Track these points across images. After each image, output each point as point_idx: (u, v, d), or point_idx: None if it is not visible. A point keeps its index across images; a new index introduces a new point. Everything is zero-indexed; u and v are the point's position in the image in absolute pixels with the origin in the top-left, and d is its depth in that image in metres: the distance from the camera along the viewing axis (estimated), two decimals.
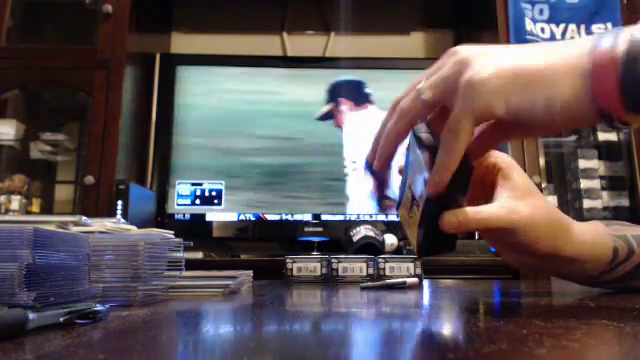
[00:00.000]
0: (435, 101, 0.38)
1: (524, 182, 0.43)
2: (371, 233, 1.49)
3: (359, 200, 1.77)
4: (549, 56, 0.35)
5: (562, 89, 0.33)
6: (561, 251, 0.42)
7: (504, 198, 0.41)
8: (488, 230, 0.41)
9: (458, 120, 0.35)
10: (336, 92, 1.86)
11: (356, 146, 1.82)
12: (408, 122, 0.39)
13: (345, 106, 1.84)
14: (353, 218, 1.76)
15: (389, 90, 1.87)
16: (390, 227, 1.71)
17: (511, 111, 0.34)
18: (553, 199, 1.70)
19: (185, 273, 0.55)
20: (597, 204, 1.66)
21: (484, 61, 0.36)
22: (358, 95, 1.86)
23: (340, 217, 1.76)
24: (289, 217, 1.75)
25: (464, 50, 0.38)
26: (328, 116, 1.84)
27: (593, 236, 0.44)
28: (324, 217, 1.75)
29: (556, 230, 0.42)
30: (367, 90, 1.87)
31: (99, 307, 0.32)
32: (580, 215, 1.65)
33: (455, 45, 0.41)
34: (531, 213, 0.41)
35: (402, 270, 0.78)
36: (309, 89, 1.86)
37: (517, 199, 0.41)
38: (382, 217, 1.78)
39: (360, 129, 1.83)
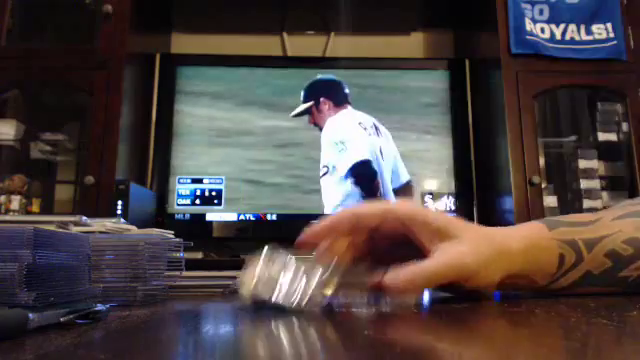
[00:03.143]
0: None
1: (444, 223, 0.40)
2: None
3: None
4: None
5: None
6: (507, 277, 0.41)
7: (440, 248, 0.39)
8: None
9: None
10: (316, 91, 1.85)
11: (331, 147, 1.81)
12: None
13: (325, 106, 1.83)
14: None
15: (389, 92, 1.88)
16: None
17: None
18: (553, 199, 1.70)
19: (185, 273, 0.55)
20: (597, 204, 1.66)
21: None
22: (337, 95, 1.85)
23: None
24: (289, 217, 1.75)
25: None
26: (306, 112, 1.83)
27: (535, 245, 0.42)
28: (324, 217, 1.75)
29: (499, 260, 0.40)
30: (346, 90, 1.86)
31: (99, 307, 0.32)
32: None
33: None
34: (475, 252, 0.39)
35: None
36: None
37: (454, 243, 0.39)
38: None
39: (337, 130, 1.82)
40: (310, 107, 1.82)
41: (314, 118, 1.82)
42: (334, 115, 1.82)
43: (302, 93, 1.85)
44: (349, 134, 1.77)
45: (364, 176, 1.65)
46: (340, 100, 1.84)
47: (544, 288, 0.43)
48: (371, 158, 1.72)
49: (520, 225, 0.44)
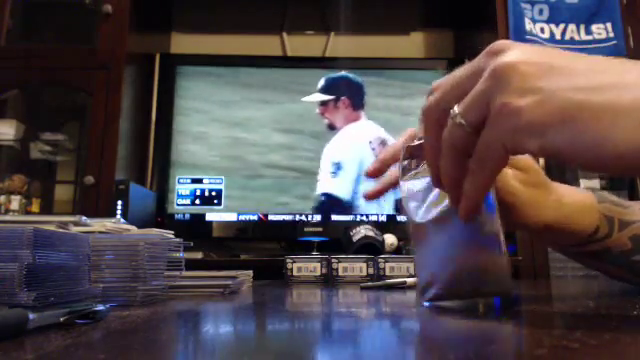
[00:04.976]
0: (476, 126, 0.30)
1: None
2: (371, 233, 1.49)
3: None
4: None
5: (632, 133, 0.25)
6: (555, 222, 0.43)
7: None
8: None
9: (486, 147, 0.30)
10: (339, 87, 1.85)
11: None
12: (457, 156, 0.32)
13: (343, 105, 1.84)
14: (353, 218, 1.76)
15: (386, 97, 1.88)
16: (390, 227, 1.71)
17: (548, 152, 0.28)
18: None
19: (185, 273, 0.55)
20: None
21: (528, 83, 0.28)
22: (357, 99, 1.86)
23: (341, 217, 1.76)
24: (289, 217, 1.75)
25: (507, 56, 0.29)
26: (324, 104, 1.83)
27: (584, 206, 0.45)
28: (324, 217, 1.75)
29: (549, 200, 0.43)
30: (365, 96, 1.86)
31: (99, 307, 0.32)
32: None
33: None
34: (524, 180, 0.41)
35: (402, 270, 0.78)
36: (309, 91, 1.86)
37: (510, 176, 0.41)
38: (382, 217, 1.78)
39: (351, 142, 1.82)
40: (329, 100, 1.83)
41: (327, 111, 1.83)
42: (349, 124, 1.83)
43: (323, 81, 1.84)
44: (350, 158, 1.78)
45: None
46: (358, 105, 1.85)
47: (569, 248, 0.47)
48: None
49: (573, 187, 0.48)
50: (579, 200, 0.45)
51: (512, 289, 0.35)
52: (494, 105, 0.29)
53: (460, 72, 0.32)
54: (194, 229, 1.73)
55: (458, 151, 0.31)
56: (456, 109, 0.31)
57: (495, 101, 0.28)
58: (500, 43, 0.30)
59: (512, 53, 0.29)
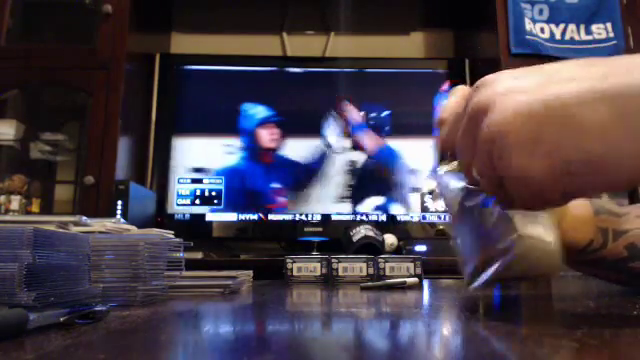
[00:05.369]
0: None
1: None
2: (371, 233, 1.49)
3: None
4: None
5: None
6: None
7: None
8: None
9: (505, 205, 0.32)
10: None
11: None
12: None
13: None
14: (353, 218, 1.76)
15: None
16: (390, 227, 1.71)
17: (565, 197, 0.29)
18: None
19: (185, 273, 0.55)
20: None
21: (527, 152, 0.27)
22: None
23: (340, 217, 1.76)
24: (289, 217, 1.75)
25: (497, 124, 0.28)
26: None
27: (577, 218, 0.46)
28: (324, 217, 1.75)
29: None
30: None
31: (99, 307, 0.32)
32: None
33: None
34: None
35: (402, 270, 0.78)
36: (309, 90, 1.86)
37: None
38: (382, 217, 1.78)
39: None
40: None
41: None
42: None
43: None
44: None
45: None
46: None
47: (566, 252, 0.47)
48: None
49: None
50: (574, 216, 0.46)
51: (558, 270, 0.37)
52: (502, 165, 0.28)
53: (461, 136, 0.31)
54: (194, 229, 1.73)
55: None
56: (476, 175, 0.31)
57: (502, 162, 0.28)
58: (484, 97, 0.29)
59: (500, 116, 0.28)
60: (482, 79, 0.31)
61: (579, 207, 0.46)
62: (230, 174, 1.78)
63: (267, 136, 1.81)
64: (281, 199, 1.77)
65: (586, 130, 0.26)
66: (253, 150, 1.80)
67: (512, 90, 0.28)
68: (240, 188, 1.77)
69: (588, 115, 0.26)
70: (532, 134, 0.27)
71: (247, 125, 1.82)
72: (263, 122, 1.82)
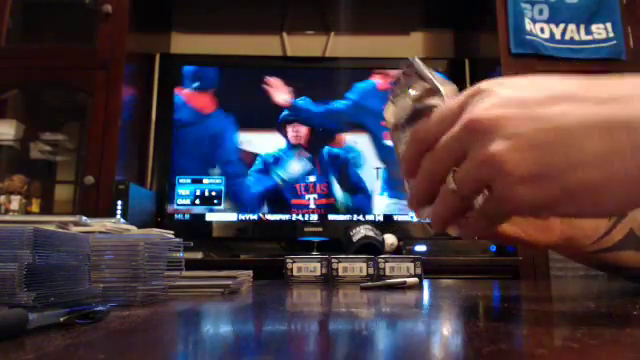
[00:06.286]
0: (471, 196, 0.30)
1: None
2: (371, 233, 1.49)
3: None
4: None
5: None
6: (556, 237, 0.44)
7: None
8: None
9: (488, 217, 0.31)
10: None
11: None
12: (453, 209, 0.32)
13: None
14: (352, 218, 1.76)
15: None
16: (389, 227, 1.71)
17: (561, 216, 0.31)
18: None
19: (185, 273, 0.55)
20: None
21: (523, 171, 0.27)
22: None
23: (340, 217, 1.76)
24: (289, 217, 1.75)
25: (496, 145, 0.28)
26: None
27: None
28: (324, 217, 1.75)
29: (545, 222, 0.44)
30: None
31: (99, 307, 0.32)
32: None
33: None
34: None
35: (402, 270, 0.78)
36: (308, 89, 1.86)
37: None
38: (381, 217, 1.78)
39: None
40: None
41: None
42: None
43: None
44: None
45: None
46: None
47: (590, 249, 0.45)
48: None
49: None
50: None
51: None
52: (500, 187, 0.28)
53: (449, 140, 0.30)
54: (194, 229, 1.73)
55: (452, 209, 0.31)
56: (452, 184, 0.30)
57: (500, 184, 0.28)
58: (486, 115, 0.28)
59: (500, 144, 0.27)
60: (481, 86, 0.30)
61: None
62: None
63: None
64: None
65: (586, 159, 0.26)
66: None
67: (515, 114, 0.28)
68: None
69: (591, 145, 0.26)
70: (536, 166, 0.27)
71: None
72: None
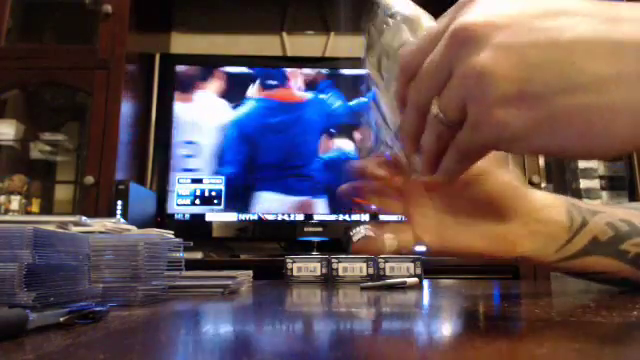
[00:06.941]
0: (458, 122, 0.27)
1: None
2: (371, 233, 1.49)
3: None
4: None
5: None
6: (527, 249, 0.42)
7: None
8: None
9: (468, 149, 0.28)
10: None
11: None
12: (439, 142, 0.29)
13: None
14: (353, 218, 1.76)
15: None
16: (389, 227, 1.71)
17: (535, 153, 0.28)
18: None
19: (185, 273, 0.55)
20: (597, 204, 1.66)
21: (510, 89, 0.24)
22: None
23: (340, 217, 1.76)
24: (289, 217, 1.75)
25: (484, 66, 0.24)
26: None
27: (548, 204, 0.42)
28: (324, 217, 1.75)
29: (513, 234, 0.41)
30: None
31: (99, 307, 0.32)
32: None
33: None
34: None
35: (402, 270, 0.78)
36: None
37: None
38: (381, 217, 1.78)
39: None
40: None
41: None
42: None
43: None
44: None
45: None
46: None
47: (553, 260, 0.42)
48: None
49: (541, 192, 0.44)
50: (547, 204, 0.42)
51: None
52: (476, 109, 0.25)
53: (434, 59, 0.27)
54: (194, 229, 1.73)
55: (440, 141, 0.29)
56: (435, 109, 0.28)
57: (477, 105, 0.25)
58: (473, 23, 0.25)
59: (487, 55, 0.24)
60: None
61: (547, 198, 0.43)
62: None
63: None
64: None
65: (585, 82, 0.23)
66: None
67: (508, 23, 0.24)
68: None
69: (591, 66, 0.23)
70: (524, 84, 0.24)
71: None
72: None
